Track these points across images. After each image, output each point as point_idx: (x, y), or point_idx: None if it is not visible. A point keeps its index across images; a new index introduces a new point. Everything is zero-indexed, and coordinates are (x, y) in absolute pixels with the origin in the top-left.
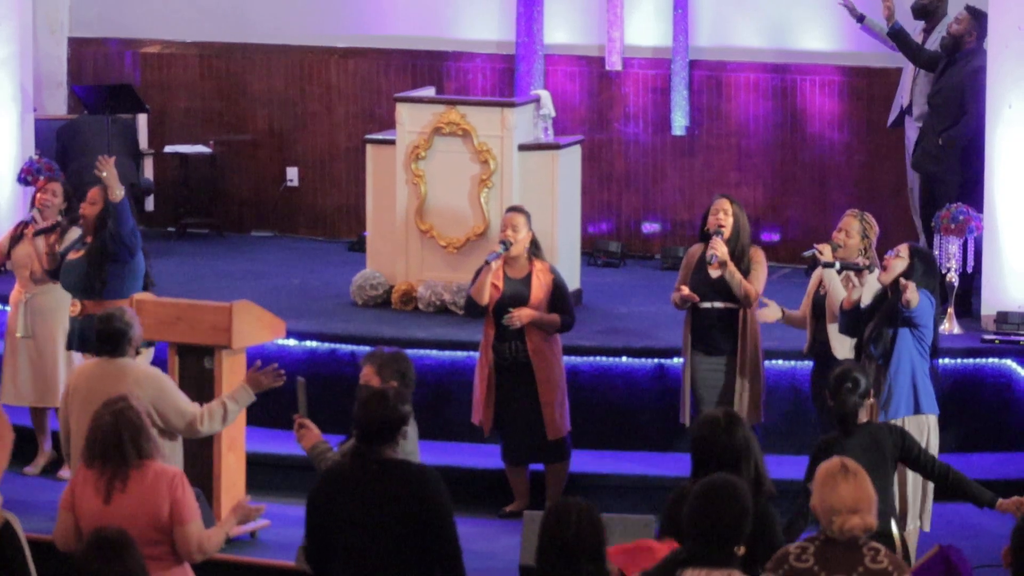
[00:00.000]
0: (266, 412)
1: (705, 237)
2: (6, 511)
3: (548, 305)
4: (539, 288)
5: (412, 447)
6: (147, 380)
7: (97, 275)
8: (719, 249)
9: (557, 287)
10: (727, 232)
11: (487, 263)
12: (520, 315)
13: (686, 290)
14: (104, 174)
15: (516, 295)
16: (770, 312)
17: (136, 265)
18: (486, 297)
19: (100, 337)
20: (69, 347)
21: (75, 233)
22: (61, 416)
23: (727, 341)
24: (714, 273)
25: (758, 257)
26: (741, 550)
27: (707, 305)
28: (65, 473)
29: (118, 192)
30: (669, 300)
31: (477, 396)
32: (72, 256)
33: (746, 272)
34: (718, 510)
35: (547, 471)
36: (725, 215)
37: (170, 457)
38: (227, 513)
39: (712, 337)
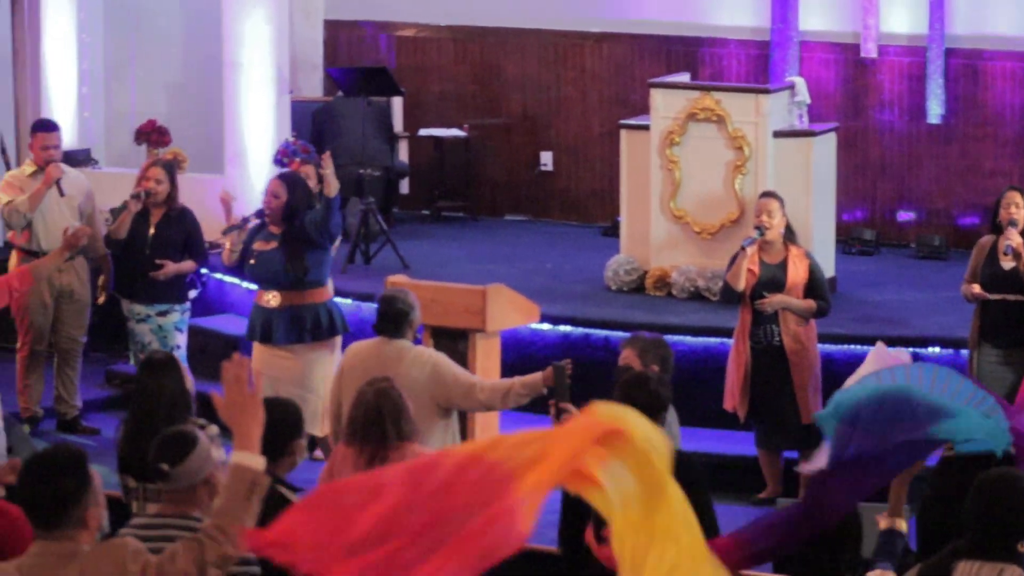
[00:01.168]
0: None
1: (996, 228)
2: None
3: (804, 290)
4: (795, 273)
5: (674, 432)
6: (422, 360)
7: (299, 265)
8: (1014, 240)
9: (813, 272)
10: (1021, 224)
11: (742, 248)
12: (773, 300)
13: (977, 288)
14: (327, 171)
15: (772, 280)
16: None
17: (330, 252)
18: (742, 283)
19: (382, 318)
20: (250, 338)
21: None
22: (333, 395)
23: (1019, 333)
24: (1007, 264)
25: None
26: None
27: (998, 297)
28: (319, 453)
29: (336, 187)
30: (924, 288)
31: (731, 382)
32: (261, 248)
33: None
34: (1001, 503)
35: (802, 456)
36: (1017, 208)
37: (445, 438)
38: None
39: (1003, 329)
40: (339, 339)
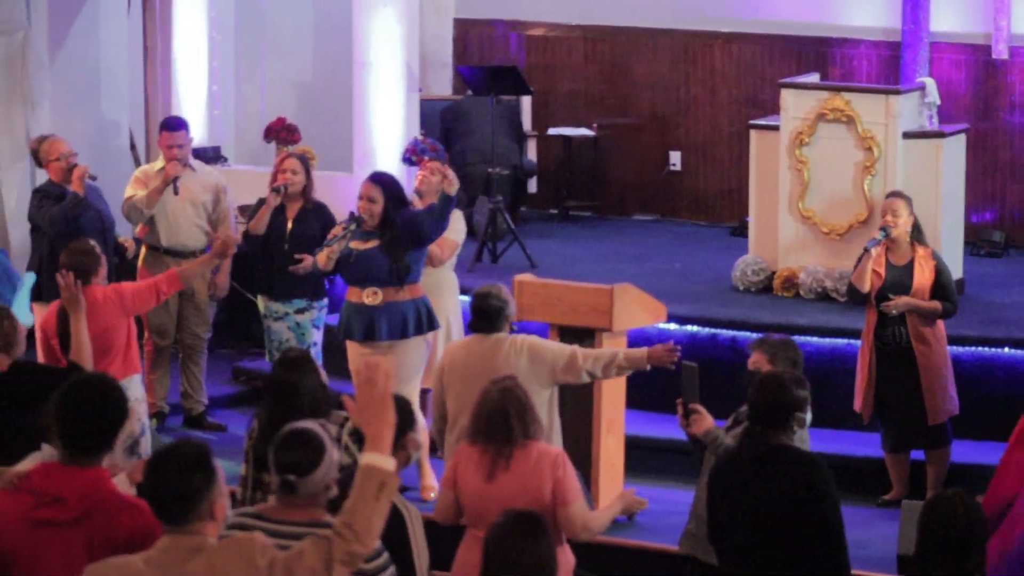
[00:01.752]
0: (644, 394)
1: None
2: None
3: (930, 291)
4: (921, 275)
5: (804, 436)
6: (517, 346)
7: (402, 263)
8: None
9: (939, 273)
10: None
11: (867, 250)
12: (899, 303)
13: None
14: (447, 176)
15: (898, 282)
16: None
17: (425, 250)
18: (867, 285)
19: (477, 314)
20: (347, 337)
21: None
22: (436, 395)
23: None
24: None
25: None
26: None
27: None
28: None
29: (456, 185)
30: None
31: (859, 383)
32: (359, 247)
33: None
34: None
35: (928, 457)
36: None
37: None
38: (614, 499)
39: None
40: (431, 334)
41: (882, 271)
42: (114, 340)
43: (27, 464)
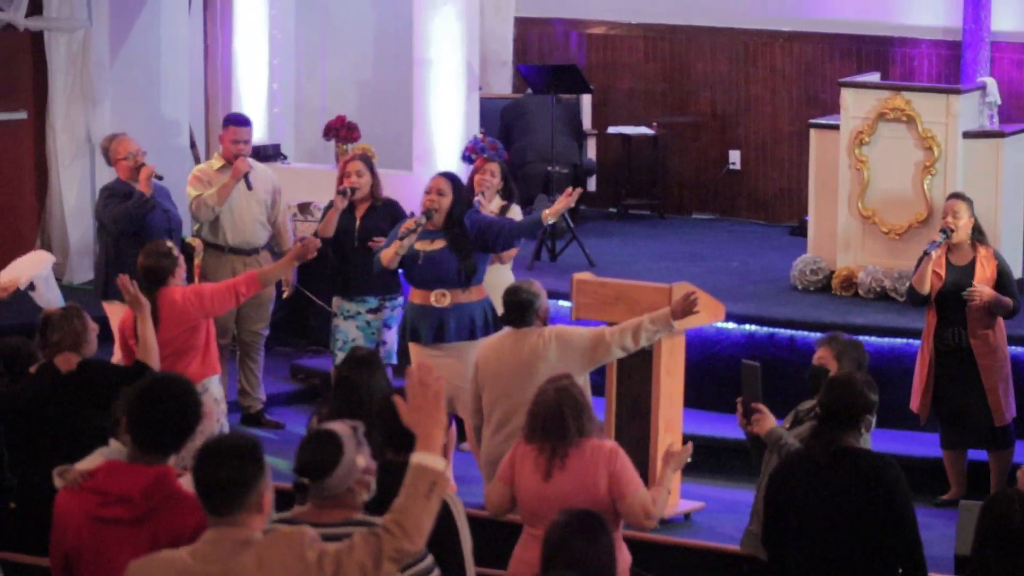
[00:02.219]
0: (701, 394)
1: None
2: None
3: (995, 288)
4: (982, 275)
5: (867, 437)
6: (546, 337)
7: (470, 264)
8: None
9: (1002, 272)
10: None
11: (927, 253)
12: (983, 292)
13: None
14: (566, 203)
15: (958, 283)
16: None
17: (489, 254)
18: (927, 287)
19: (508, 307)
20: (413, 339)
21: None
22: (472, 391)
23: None
24: None
25: None
26: None
27: None
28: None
29: (555, 219)
30: None
31: (916, 383)
32: (426, 248)
33: None
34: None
35: (991, 458)
36: None
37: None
38: (660, 467)
39: None
40: None
41: (943, 272)
42: (194, 341)
43: (92, 461)
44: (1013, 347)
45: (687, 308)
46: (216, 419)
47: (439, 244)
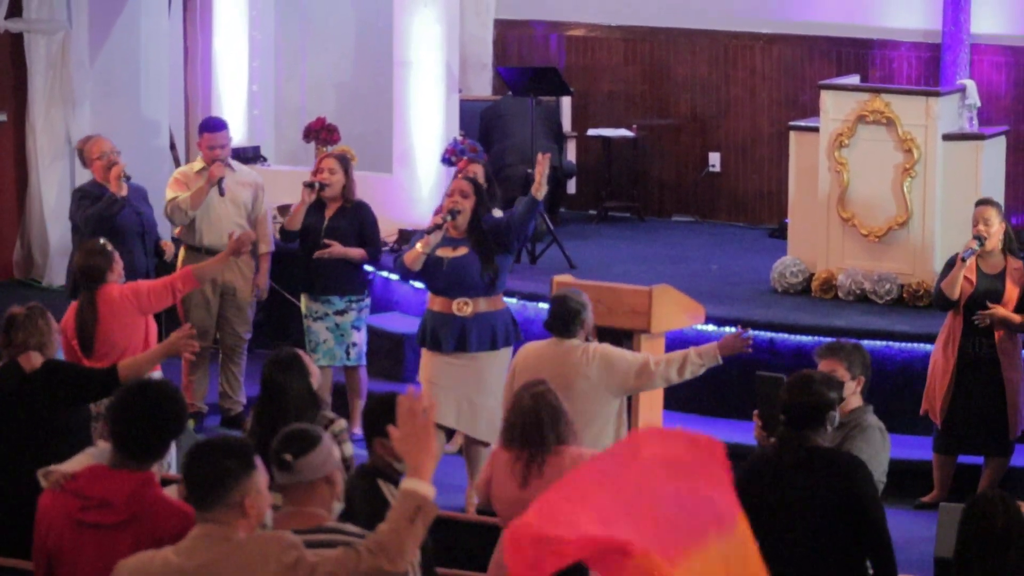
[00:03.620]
0: (682, 397)
1: None
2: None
3: (1017, 304)
4: (1013, 286)
5: (886, 439)
6: (590, 354)
7: (492, 269)
8: None
9: None
10: None
11: (962, 260)
12: (994, 314)
13: None
14: (543, 170)
15: (989, 291)
16: None
17: (511, 258)
18: (957, 291)
19: (554, 317)
20: (433, 348)
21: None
22: (507, 397)
23: None
24: None
25: None
26: None
27: None
28: (449, 447)
29: (545, 189)
30: None
31: (931, 388)
32: (448, 254)
33: None
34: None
35: (989, 463)
36: None
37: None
38: None
39: None
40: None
41: (974, 278)
42: (133, 337)
43: (76, 463)
44: None
45: (737, 345)
46: None
47: (463, 250)
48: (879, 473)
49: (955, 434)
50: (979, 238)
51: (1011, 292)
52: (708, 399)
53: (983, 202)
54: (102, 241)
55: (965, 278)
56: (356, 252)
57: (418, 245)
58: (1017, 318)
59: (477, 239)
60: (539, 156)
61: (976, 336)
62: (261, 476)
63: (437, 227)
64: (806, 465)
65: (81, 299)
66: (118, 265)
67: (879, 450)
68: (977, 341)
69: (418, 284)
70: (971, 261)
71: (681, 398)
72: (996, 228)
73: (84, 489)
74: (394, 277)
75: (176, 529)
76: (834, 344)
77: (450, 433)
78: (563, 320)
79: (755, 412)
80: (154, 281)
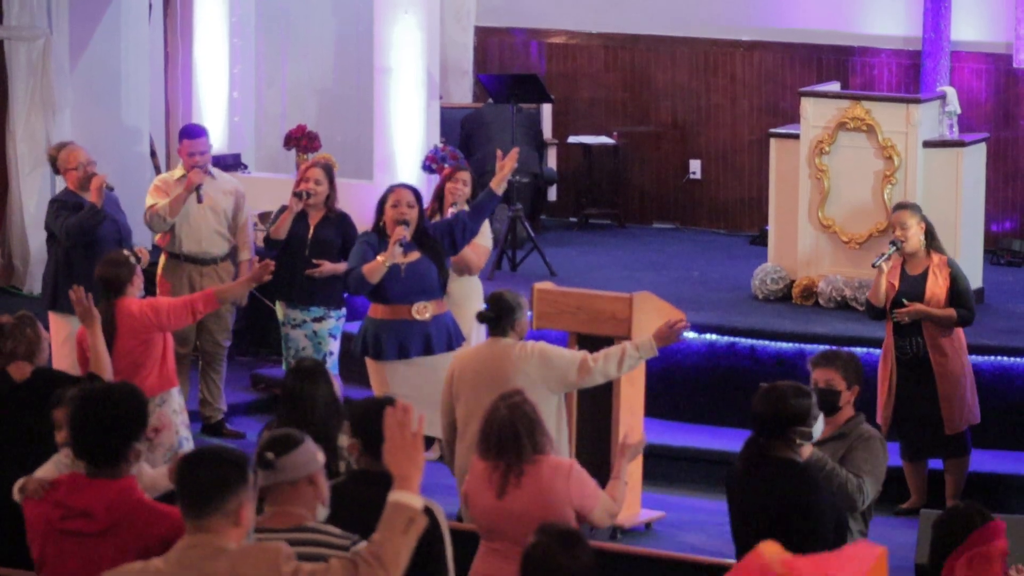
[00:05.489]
0: (662, 403)
1: None
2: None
3: (946, 299)
4: (935, 283)
5: (883, 448)
6: (527, 352)
7: (445, 273)
8: None
9: (955, 280)
10: None
11: (876, 267)
12: (910, 311)
13: None
14: (508, 167)
15: (911, 291)
16: None
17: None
18: (882, 299)
19: (489, 309)
20: (401, 356)
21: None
22: (444, 401)
23: None
24: None
25: None
26: None
27: None
28: (430, 454)
29: (504, 186)
30: None
31: (879, 395)
32: (401, 261)
33: None
34: None
35: (946, 466)
36: None
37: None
38: (616, 460)
39: None
40: None
41: (896, 282)
42: (150, 353)
43: (48, 470)
44: (972, 356)
45: (671, 335)
46: (175, 430)
47: (414, 255)
48: (877, 484)
49: (909, 439)
50: (894, 243)
51: (932, 288)
52: (690, 405)
53: (900, 207)
54: (125, 252)
55: (889, 282)
56: (343, 267)
57: (379, 258)
58: (936, 311)
59: (428, 243)
60: (512, 151)
61: (910, 337)
62: (255, 489)
63: (400, 241)
64: (758, 472)
65: (102, 310)
66: (139, 279)
67: (881, 461)
68: (912, 341)
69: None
70: (895, 265)
71: (663, 406)
72: (914, 231)
73: (65, 499)
74: None
75: (162, 534)
76: (830, 353)
77: (429, 441)
78: (497, 314)
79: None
80: (174, 299)
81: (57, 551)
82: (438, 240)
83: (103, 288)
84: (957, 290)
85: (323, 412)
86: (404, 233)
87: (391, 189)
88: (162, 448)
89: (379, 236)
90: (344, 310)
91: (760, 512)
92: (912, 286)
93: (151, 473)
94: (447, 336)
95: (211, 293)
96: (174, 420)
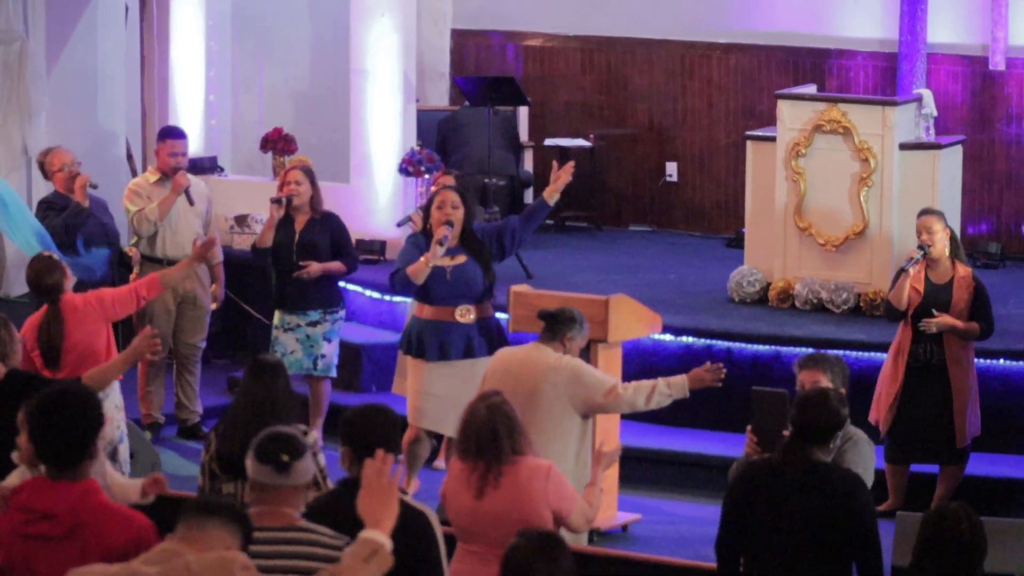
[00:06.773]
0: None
1: None
2: (422, 504)
3: (968, 311)
4: (960, 295)
5: (871, 451)
6: (561, 364)
7: (491, 275)
8: None
9: (979, 294)
10: None
11: (904, 270)
12: (939, 321)
13: None
14: (564, 179)
15: (937, 299)
16: None
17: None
18: (904, 302)
19: (549, 314)
20: (407, 352)
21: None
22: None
23: None
24: None
25: None
26: None
27: None
28: (440, 463)
29: (557, 197)
30: None
31: (880, 397)
32: (447, 264)
33: None
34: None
35: (943, 473)
36: None
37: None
38: (592, 467)
39: None
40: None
41: (921, 288)
42: (95, 346)
43: (15, 478)
44: (980, 360)
45: (707, 379)
46: (116, 425)
47: (461, 258)
48: (868, 484)
49: (903, 443)
50: (922, 247)
51: (958, 300)
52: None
53: (925, 212)
54: (46, 253)
55: (913, 288)
56: (335, 266)
57: (422, 258)
58: (961, 325)
59: (474, 246)
60: (554, 164)
61: (926, 343)
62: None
63: (444, 240)
64: (808, 479)
65: (47, 313)
66: (70, 273)
67: (870, 462)
68: (928, 348)
69: (400, 299)
70: (918, 271)
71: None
72: (939, 237)
73: (28, 502)
74: (352, 287)
75: (125, 537)
76: (817, 355)
77: (435, 451)
78: (555, 320)
79: (749, 427)
80: (118, 288)
81: (23, 557)
82: (485, 244)
83: (43, 294)
84: (979, 303)
85: (282, 409)
86: (446, 232)
87: (438, 190)
88: (103, 441)
89: (426, 237)
90: (343, 311)
91: (817, 518)
92: (938, 294)
93: (121, 482)
94: (490, 340)
95: (155, 277)
96: (115, 415)
